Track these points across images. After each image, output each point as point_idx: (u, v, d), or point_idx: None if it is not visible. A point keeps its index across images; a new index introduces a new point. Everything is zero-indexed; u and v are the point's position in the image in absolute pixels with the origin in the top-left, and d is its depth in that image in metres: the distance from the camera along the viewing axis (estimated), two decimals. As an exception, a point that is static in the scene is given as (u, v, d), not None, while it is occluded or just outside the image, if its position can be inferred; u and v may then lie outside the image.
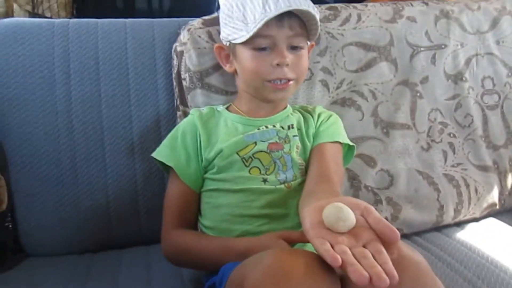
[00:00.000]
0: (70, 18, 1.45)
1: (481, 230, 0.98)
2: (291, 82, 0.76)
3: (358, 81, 0.98)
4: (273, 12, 0.70)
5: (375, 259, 0.44)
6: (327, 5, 1.01)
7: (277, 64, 0.74)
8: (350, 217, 0.49)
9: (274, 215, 0.73)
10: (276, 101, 0.81)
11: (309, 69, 0.92)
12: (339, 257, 0.44)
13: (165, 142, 0.81)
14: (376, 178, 0.95)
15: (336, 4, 1.01)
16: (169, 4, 1.66)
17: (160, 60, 0.94)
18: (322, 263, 0.48)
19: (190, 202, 0.78)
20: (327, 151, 0.77)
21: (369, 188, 0.95)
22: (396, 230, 0.47)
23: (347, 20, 0.99)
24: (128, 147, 0.92)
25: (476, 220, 1.02)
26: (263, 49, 0.74)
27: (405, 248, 0.52)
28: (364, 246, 0.47)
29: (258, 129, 0.79)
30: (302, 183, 0.75)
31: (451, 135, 1.02)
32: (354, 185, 0.95)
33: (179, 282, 0.80)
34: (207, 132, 0.79)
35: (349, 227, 0.49)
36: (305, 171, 0.77)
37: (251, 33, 0.72)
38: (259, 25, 0.70)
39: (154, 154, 0.81)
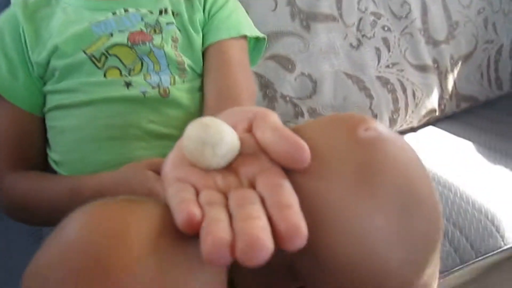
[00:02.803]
0: None
1: (419, 140, 0.87)
2: None
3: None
4: None
5: (266, 205, 0.24)
6: None
7: None
8: (225, 139, 0.28)
9: (146, 136, 0.52)
10: None
11: None
12: (195, 211, 0.23)
13: None
14: (295, 85, 0.78)
15: None
16: None
17: None
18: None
19: (30, 132, 0.57)
20: (232, 53, 0.58)
21: (287, 98, 0.78)
22: (304, 145, 0.26)
23: None
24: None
25: (413, 130, 0.91)
26: None
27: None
28: (252, 184, 0.27)
29: (114, 13, 0.56)
30: (188, 91, 0.56)
31: (386, 28, 0.87)
32: (268, 95, 0.77)
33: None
34: (34, 27, 0.56)
35: (225, 157, 0.28)
36: (193, 73, 0.58)
37: None
38: None
39: None
